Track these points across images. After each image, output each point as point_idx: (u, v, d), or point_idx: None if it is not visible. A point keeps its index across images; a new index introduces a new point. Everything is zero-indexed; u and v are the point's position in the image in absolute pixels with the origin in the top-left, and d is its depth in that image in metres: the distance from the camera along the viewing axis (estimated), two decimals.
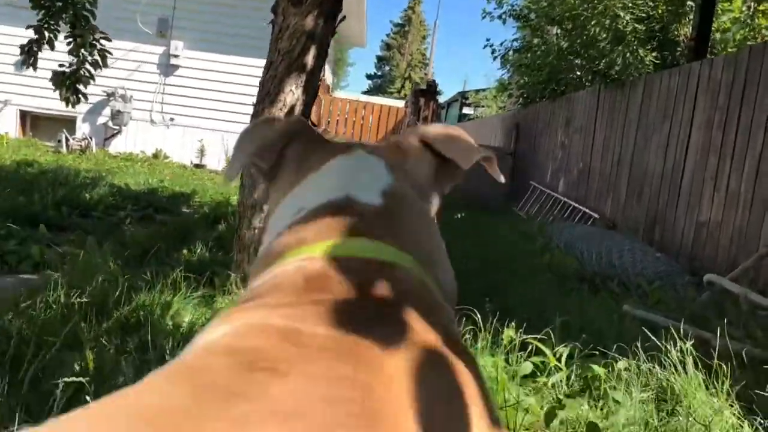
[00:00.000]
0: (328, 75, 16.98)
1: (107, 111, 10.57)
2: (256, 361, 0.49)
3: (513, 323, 2.48)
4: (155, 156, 10.44)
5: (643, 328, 2.98)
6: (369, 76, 57.31)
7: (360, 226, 0.71)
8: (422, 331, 0.58)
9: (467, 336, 2.33)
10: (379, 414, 0.47)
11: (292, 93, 2.91)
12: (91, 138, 10.41)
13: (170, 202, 6.03)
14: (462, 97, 22.22)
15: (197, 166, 10.51)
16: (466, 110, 22.49)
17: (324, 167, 0.79)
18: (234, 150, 0.85)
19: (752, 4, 7.68)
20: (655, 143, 6.66)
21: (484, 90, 20.38)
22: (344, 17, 3.15)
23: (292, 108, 2.93)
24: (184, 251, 3.80)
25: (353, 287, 0.61)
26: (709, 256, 5.41)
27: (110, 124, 10.58)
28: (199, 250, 3.78)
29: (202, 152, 10.67)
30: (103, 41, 5.27)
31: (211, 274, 3.09)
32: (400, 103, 16.58)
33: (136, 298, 2.39)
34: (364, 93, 56.71)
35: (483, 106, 20.54)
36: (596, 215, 7.66)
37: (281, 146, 0.85)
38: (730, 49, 7.85)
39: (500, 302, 3.33)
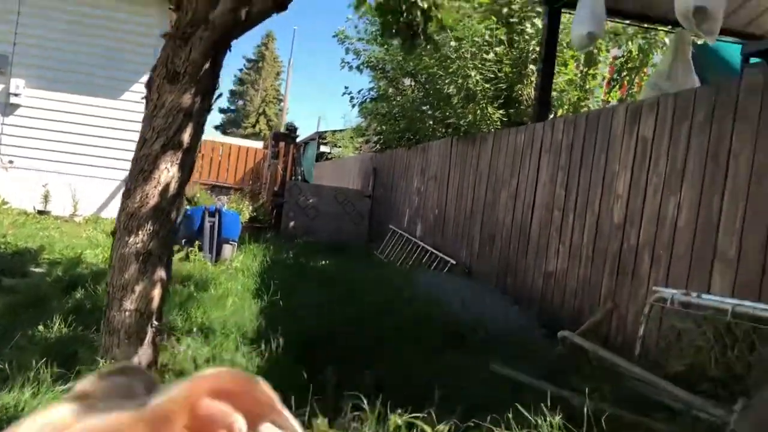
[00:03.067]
0: None
1: None
2: None
3: (394, 403, 2.57)
4: None
5: (510, 388, 3.19)
6: (222, 110, 56.41)
7: None
8: None
9: (354, 424, 2.39)
10: None
11: (167, 171, 2.86)
12: None
13: (16, 261, 5.58)
14: (319, 137, 22.49)
15: (41, 212, 9.78)
16: (323, 149, 22.77)
17: None
18: None
19: (583, 68, 8.54)
20: (504, 195, 7.14)
21: (341, 131, 20.79)
22: (221, 94, 3.15)
23: (167, 185, 2.87)
24: (40, 327, 3.55)
25: None
26: (557, 303, 5.87)
27: None
28: (57, 325, 3.55)
29: (46, 198, 9.96)
30: None
31: (75, 358, 2.92)
32: (259, 144, 16.51)
33: None
34: (217, 127, 55.69)
35: (340, 146, 20.90)
36: (453, 261, 8.03)
37: None
38: (566, 107, 8.64)
39: (376, 369, 3.42)
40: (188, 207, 7.36)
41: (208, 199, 8.84)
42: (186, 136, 2.88)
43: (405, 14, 4.71)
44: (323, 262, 8.19)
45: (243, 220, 9.48)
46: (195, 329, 4.01)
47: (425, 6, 4.64)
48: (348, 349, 3.77)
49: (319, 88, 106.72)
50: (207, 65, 2.86)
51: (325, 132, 22.21)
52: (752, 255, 3.76)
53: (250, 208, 10.05)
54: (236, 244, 7.65)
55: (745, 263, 3.81)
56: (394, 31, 4.80)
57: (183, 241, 7.17)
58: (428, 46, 4.94)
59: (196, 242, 6.94)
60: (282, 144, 12.05)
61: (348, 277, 6.97)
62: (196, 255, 6.75)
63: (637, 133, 5.01)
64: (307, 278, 6.64)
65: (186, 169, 2.95)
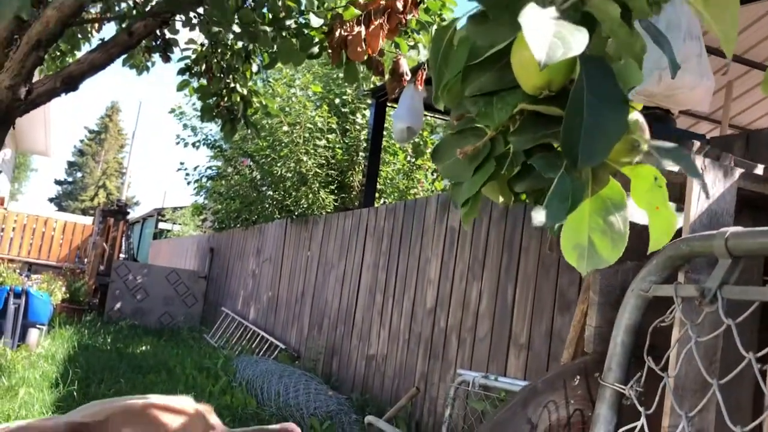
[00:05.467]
0: (4, 184, 15.39)
1: None
2: None
3: None
4: None
5: None
6: (58, 182, 53.04)
7: None
8: None
9: None
10: None
11: None
12: None
13: None
14: (158, 214, 21.67)
15: None
16: (163, 225, 21.93)
17: None
18: None
19: (411, 158, 9.03)
20: (333, 278, 7.22)
21: (181, 208, 20.19)
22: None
23: None
24: None
25: None
26: (377, 387, 5.92)
27: None
28: None
29: None
30: None
31: None
32: (89, 220, 15.60)
33: None
34: (52, 200, 52.11)
35: (181, 224, 20.24)
36: (283, 346, 7.91)
37: None
38: (396, 194, 9.02)
39: None
40: None
41: (16, 278, 8.16)
42: None
43: (225, 98, 4.75)
44: (144, 348, 7.74)
45: (56, 302, 8.79)
46: None
47: (244, 92, 4.72)
48: None
49: (165, 161, 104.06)
50: None
51: (164, 209, 21.49)
52: (539, 340, 4.04)
53: (63, 288, 9.36)
54: (45, 328, 7.05)
55: (534, 348, 4.08)
56: (214, 114, 4.81)
57: None
58: (248, 130, 4.99)
59: None
60: (111, 220, 11.47)
61: (166, 365, 6.62)
62: None
63: (446, 223, 5.32)
64: (120, 366, 6.22)
65: None
